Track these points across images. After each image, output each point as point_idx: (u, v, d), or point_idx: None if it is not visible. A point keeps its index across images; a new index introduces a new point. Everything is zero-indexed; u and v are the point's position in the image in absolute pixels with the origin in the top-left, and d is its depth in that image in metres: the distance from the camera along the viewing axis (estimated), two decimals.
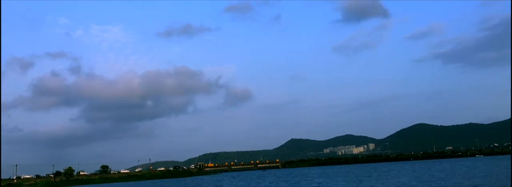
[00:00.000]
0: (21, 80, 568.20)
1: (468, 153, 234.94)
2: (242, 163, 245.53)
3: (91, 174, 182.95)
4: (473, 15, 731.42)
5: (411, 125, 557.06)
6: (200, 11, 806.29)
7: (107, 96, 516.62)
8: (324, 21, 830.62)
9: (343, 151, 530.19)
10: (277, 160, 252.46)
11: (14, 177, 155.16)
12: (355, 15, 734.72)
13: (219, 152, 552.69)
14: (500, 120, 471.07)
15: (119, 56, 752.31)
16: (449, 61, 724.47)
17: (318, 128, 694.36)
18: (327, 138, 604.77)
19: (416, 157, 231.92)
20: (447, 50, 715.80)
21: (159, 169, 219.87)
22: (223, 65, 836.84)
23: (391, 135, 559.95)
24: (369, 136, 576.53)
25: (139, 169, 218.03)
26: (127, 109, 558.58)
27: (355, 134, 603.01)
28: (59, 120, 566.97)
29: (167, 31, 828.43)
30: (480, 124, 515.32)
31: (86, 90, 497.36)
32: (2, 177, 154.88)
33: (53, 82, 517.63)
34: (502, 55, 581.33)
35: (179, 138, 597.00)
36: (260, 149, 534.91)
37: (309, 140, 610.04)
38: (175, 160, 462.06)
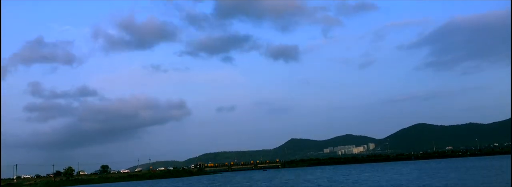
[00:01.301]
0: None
1: (468, 153, 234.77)
2: (242, 163, 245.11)
3: (91, 174, 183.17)
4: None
5: (411, 125, 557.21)
6: None
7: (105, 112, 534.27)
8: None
9: (343, 151, 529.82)
10: (277, 160, 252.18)
11: (14, 177, 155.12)
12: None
13: (219, 152, 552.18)
14: (500, 120, 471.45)
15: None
16: (446, 64, 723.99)
17: (318, 128, 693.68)
18: (327, 138, 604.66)
19: (416, 157, 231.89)
20: (443, 54, 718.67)
21: (159, 169, 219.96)
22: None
23: (391, 135, 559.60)
24: (369, 136, 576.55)
25: (139, 169, 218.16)
26: (126, 119, 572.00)
27: (355, 134, 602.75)
28: (59, 125, 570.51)
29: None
30: (480, 124, 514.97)
31: (85, 107, 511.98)
32: (2, 177, 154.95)
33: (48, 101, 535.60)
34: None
35: (179, 138, 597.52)
36: (260, 149, 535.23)
37: (309, 140, 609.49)
38: (175, 160, 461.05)
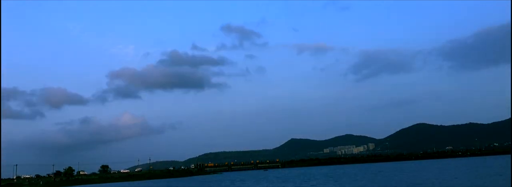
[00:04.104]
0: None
1: (468, 153, 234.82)
2: (242, 163, 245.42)
3: (91, 174, 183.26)
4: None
5: (411, 125, 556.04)
6: None
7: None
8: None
9: (343, 151, 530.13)
10: (277, 160, 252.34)
11: (14, 177, 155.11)
12: None
13: (219, 152, 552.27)
14: (500, 120, 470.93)
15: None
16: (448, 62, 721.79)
17: (318, 128, 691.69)
18: (327, 138, 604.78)
19: (416, 157, 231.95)
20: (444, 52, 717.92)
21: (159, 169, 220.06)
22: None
23: (391, 135, 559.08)
24: (369, 136, 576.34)
25: (139, 169, 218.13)
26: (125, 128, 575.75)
27: (355, 134, 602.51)
28: (58, 128, 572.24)
29: None
30: (480, 124, 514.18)
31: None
32: (2, 177, 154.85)
33: None
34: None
35: (179, 138, 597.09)
36: (260, 149, 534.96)
37: (309, 140, 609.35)
38: (175, 160, 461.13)
